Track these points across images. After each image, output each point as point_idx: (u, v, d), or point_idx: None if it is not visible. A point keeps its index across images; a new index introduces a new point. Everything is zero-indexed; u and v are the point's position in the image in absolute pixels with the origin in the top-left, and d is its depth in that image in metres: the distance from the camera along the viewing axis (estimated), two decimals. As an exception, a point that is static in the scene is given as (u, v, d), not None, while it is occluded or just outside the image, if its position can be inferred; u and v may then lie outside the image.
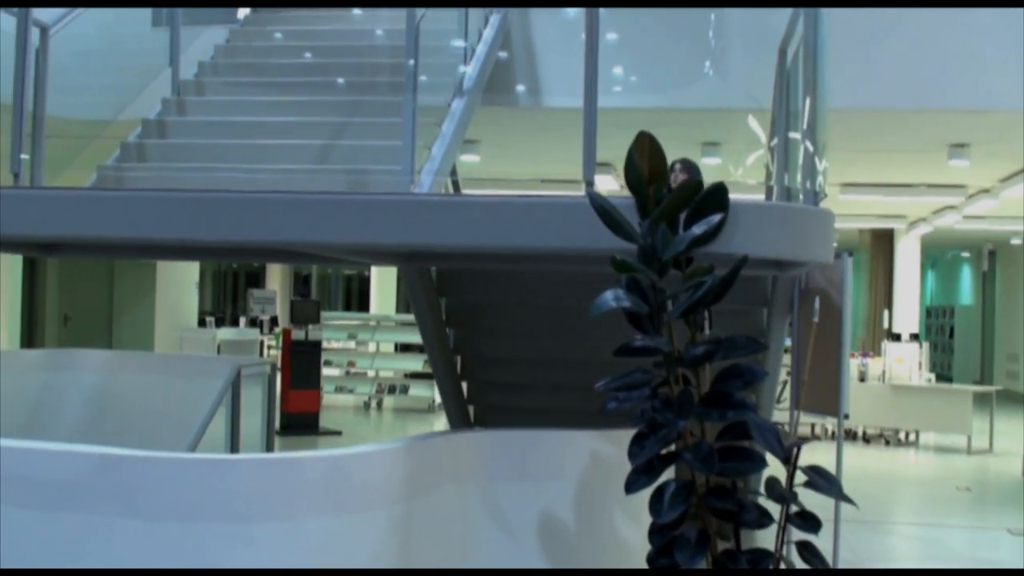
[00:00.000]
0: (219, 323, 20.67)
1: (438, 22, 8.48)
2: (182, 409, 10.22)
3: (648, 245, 4.37)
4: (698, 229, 4.35)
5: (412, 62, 7.08)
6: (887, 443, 17.33)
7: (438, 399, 19.70)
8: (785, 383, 10.46)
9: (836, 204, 16.80)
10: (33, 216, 5.78)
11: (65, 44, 7.33)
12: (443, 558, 4.95)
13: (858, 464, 14.65)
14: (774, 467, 4.63)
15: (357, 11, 10.90)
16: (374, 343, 21.66)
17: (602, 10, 12.02)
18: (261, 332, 21.20)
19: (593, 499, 5.37)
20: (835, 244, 6.08)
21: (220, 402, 10.00)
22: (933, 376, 19.01)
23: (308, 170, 7.77)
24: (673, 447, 4.50)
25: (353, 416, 19.42)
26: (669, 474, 4.58)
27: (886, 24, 10.46)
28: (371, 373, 21.19)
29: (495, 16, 10.01)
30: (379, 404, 20.71)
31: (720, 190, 4.57)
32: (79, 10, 7.42)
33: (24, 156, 6.32)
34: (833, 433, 15.40)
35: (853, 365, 17.27)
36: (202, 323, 19.85)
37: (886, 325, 21.25)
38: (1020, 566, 9.21)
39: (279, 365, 16.16)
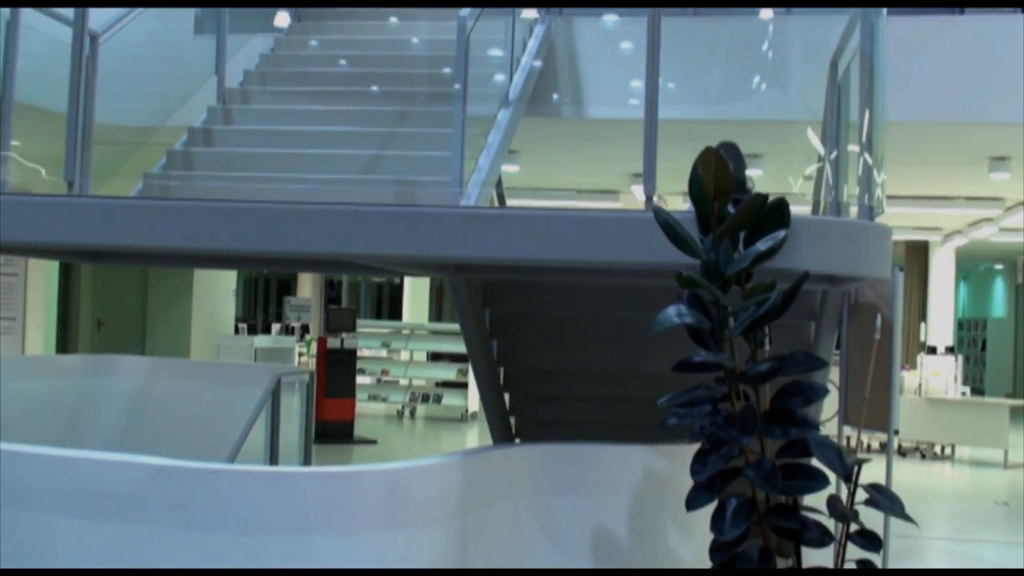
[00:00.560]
0: (251, 330, 20.72)
1: (483, 32, 8.45)
2: (221, 417, 10.22)
3: (712, 260, 4.35)
4: (763, 245, 4.32)
5: (462, 73, 7.04)
6: (923, 456, 17.24)
7: (471, 408, 19.74)
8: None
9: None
10: (80, 224, 5.79)
11: (111, 50, 7.34)
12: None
13: (895, 478, 14.54)
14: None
15: (398, 20, 10.90)
16: (407, 351, 21.65)
17: (636, 21, 12.04)
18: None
19: (647, 514, 5.34)
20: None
21: (260, 411, 10.00)
22: (968, 389, 18.91)
23: (355, 180, 7.75)
24: (733, 464, 4.46)
25: (386, 425, 19.44)
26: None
27: (926, 36, 10.41)
28: (403, 382, 21.19)
29: (539, 27, 10.00)
30: (412, 413, 20.70)
31: (782, 205, 4.54)
32: (128, 18, 7.42)
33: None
34: (870, 447, 15.35)
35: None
36: (236, 330, 19.90)
37: (922, 338, 21.14)
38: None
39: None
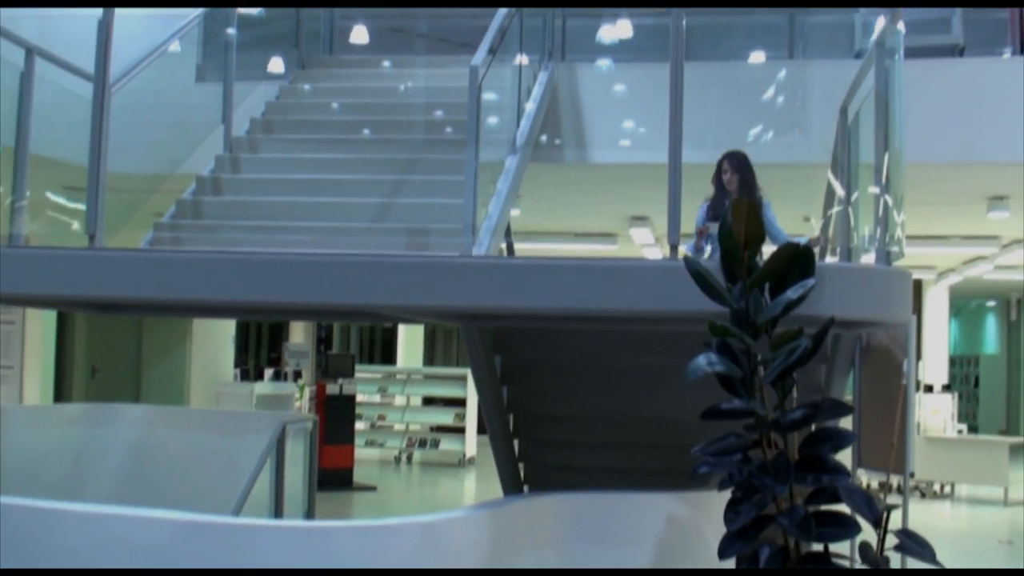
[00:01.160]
0: (244, 376, 20.63)
1: (490, 79, 8.49)
2: (225, 466, 10.19)
3: (742, 309, 4.36)
4: (793, 293, 4.34)
5: (474, 120, 7.07)
6: (922, 495, 17.22)
7: (469, 453, 19.70)
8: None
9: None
10: (98, 277, 5.80)
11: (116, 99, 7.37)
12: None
13: (895, 518, 14.52)
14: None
15: (400, 68, 10.96)
16: (402, 396, 21.61)
17: (640, 67, 12.12)
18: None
19: (672, 562, 5.33)
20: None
21: (266, 459, 9.97)
22: (964, 427, 18.91)
23: (366, 228, 7.77)
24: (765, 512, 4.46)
25: (385, 471, 19.38)
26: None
27: (925, 79, 10.48)
28: (398, 426, 21.13)
29: (543, 73, 10.06)
30: (409, 458, 20.64)
31: (807, 253, 4.57)
32: (142, 66, 7.45)
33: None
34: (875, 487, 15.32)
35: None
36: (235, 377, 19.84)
37: (919, 376, 21.16)
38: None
39: (314, 419, 16.13)
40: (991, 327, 32.65)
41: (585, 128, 10.77)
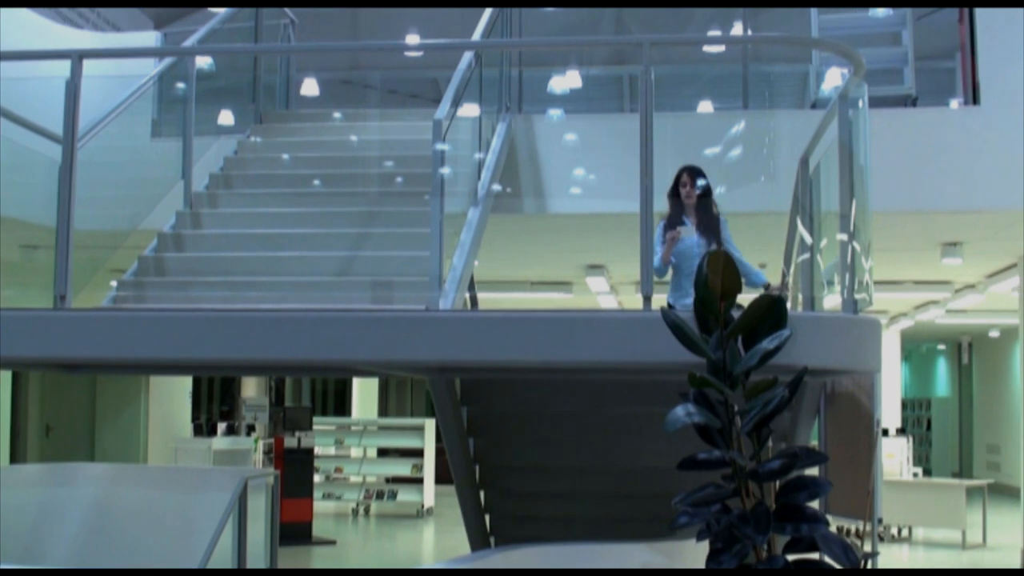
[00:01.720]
0: (197, 431, 20.47)
1: (450, 131, 8.53)
2: (188, 523, 10.12)
3: (719, 359, 4.39)
4: (769, 344, 4.37)
5: (438, 173, 7.08)
6: (880, 539, 17.27)
7: (427, 504, 19.61)
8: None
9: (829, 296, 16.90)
10: (64, 338, 5.77)
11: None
12: None
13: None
14: None
15: (356, 121, 10.98)
16: (359, 448, 21.51)
17: (596, 117, 12.20)
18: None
19: (649, 614, 5.34)
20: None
21: (228, 516, 9.90)
22: (920, 470, 19.01)
23: (330, 282, 7.75)
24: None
25: (342, 524, 19.26)
26: None
27: (878, 129, 10.60)
28: (354, 479, 21.02)
29: (500, 125, 10.11)
30: (366, 510, 20.52)
31: (779, 303, 4.60)
32: (105, 123, 7.44)
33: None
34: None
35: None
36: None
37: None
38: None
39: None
40: (942, 370, 32.93)
41: (543, 179, 10.83)
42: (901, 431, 19.49)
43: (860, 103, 6.00)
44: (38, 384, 18.39)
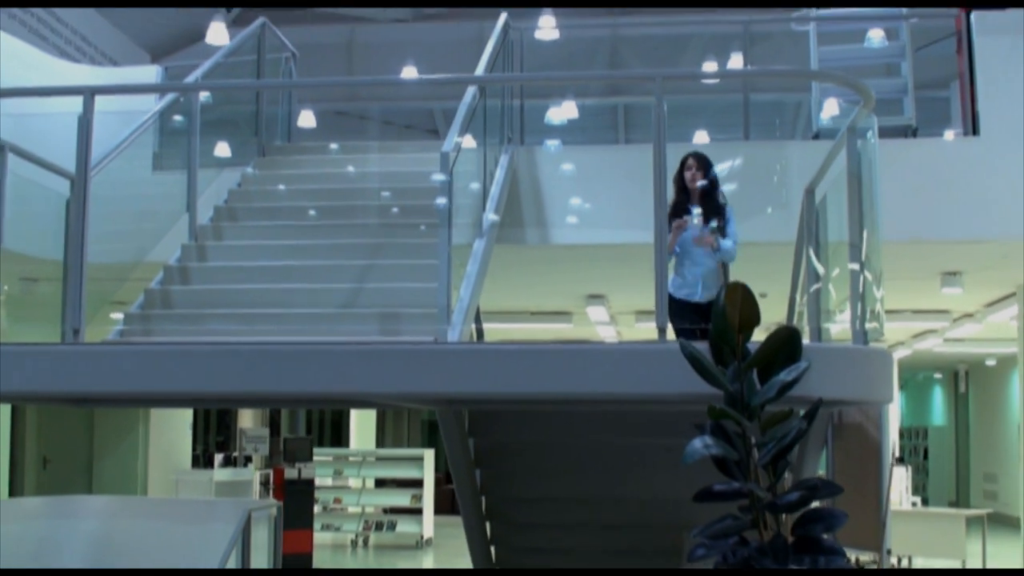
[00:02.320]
0: (195, 462, 20.43)
1: (456, 163, 8.56)
2: (192, 555, 10.11)
3: (736, 391, 4.40)
4: (787, 376, 4.39)
5: (447, 205, 7.10)
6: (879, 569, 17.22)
7: (426, 534, 19.56)
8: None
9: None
10: (76, 372, 5.78)
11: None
12: None
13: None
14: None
15: (357, 153, 11.01)
16: (357, 479, 21.45)
17: (595, 148, 12.23)
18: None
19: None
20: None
21: (232, 548, 9.90)
22: (919, 500, 18.99)
23: (337, 314, 7.76)
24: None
25: (341, 555, 19.20)
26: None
27: (882, 157, 10.64)
28: (352, 509, 20.95)
29: (503, 156, 10.15)
30: (365, 541, 20.46)
31: (794, 336, 4.62)
32: (111, 156, 7.46)
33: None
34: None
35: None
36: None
37: (871, 450, 21.25)
38: None
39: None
40: (938, 399, 32.94)
41: (545, 209, 10.86)
42: (900, 460, 19.49)
43: (869, 134, 6.03)
44: (35, 416, 18.35)
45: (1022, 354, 14.27)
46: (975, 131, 10.98)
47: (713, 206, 8.46)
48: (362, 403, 6.56)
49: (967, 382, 29.51)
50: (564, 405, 6.53)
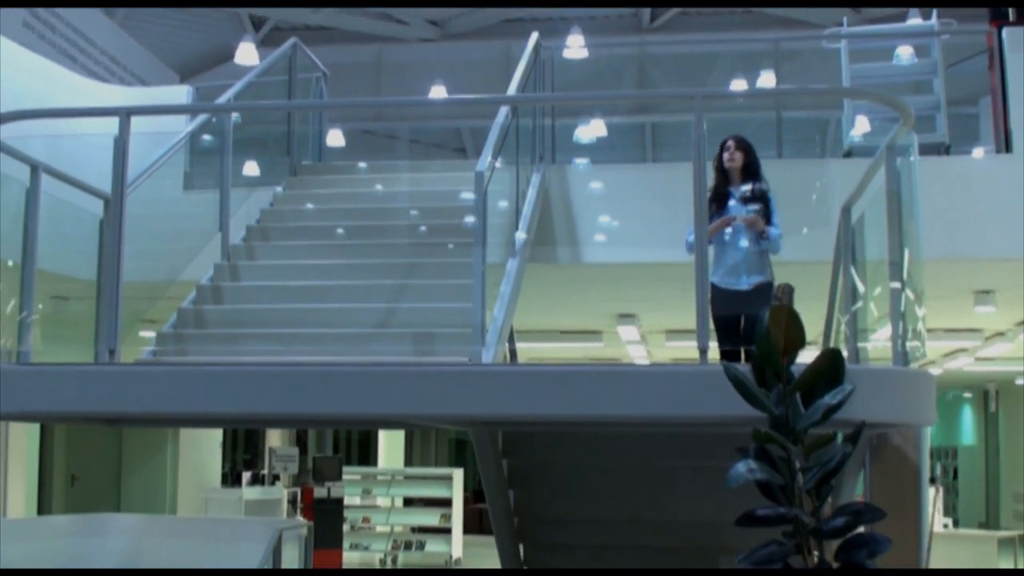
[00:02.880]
0: (224, 480, 20.44)
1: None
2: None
3: (782, 415, 4.35)
4: (832, 399, 4.33)
5: (481, 224, 7.06)
6: (913, 591, 17.07)
7: (455, 554, 19.50)
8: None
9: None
10: (109, 392, 5.76)
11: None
12: None
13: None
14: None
15: (388, 172, 11.00)
16: (386, 498, 21.41)
17: (625, 167, 12.20)
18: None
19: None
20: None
21: (263, 567, 9.88)
22: (950, 521, 18.83)
23: (371, 334, 7.73)
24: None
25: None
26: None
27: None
28: (380, 528, 20.91)
29: (535, 175, 10.11)
30: (394, 561, 20.40)
31: (836, 358, 4.57)
32: (148, 173, 7.47)
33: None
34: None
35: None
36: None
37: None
38: None
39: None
40: (968, 418, 32.66)
41: (577, 229, 10.81)
42: (931, 481, 19.34)
43: (910, 152, 5.99)
44: (64, 433, 18.37)
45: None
46: (1008, 148, 10.89)
47: (754, 190, 8.29)
48: (396, 424, 6.51)
49: (997, 401, 29.25)
50: (603, 428, 6.48)
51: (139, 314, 8.24)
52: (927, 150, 11.19)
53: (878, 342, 6.76)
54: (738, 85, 14.09)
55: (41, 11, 15.05)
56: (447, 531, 20.06)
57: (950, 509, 29.56)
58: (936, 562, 16.60)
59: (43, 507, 17.14)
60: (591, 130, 13.67)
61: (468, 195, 9.24)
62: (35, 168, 6.75)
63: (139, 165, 7.76)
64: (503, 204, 8.75)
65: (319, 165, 11.18)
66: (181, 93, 13.46)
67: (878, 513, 4.57)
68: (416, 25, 21.57)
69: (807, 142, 14.53)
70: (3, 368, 6.08)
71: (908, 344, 5.73)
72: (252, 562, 9.83)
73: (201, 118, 9.22)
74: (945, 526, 18.08)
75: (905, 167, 5.95)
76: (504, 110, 8.32)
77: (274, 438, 27.55)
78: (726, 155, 8.27)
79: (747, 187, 8.19)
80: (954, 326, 15.89)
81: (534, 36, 10.79)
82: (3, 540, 9.50)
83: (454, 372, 5.82)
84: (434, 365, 6.14)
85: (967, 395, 31.97)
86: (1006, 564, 16.71)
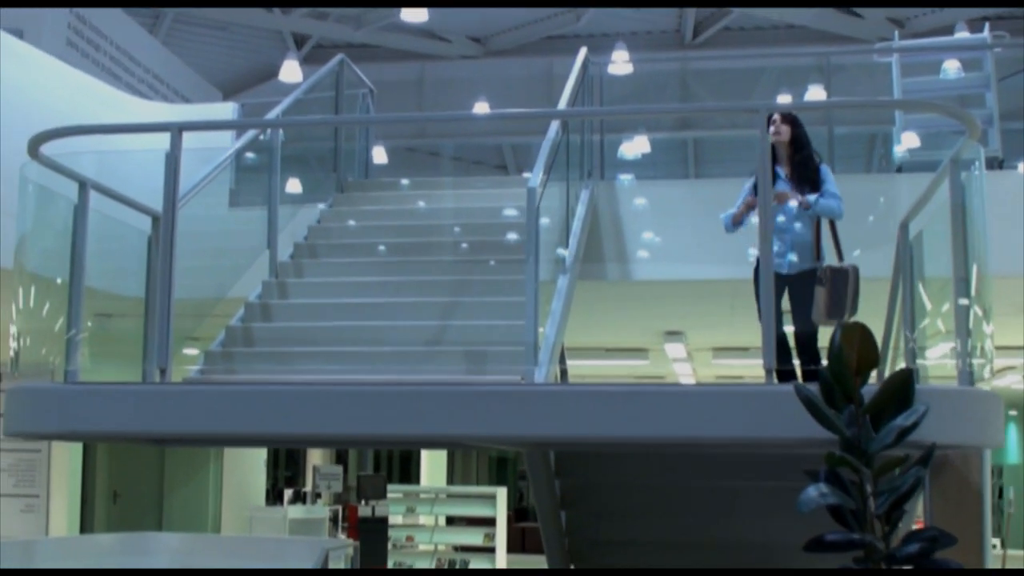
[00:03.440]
0: (267, 498, 20.41)
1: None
2: (267, 596, 9.98)
3: (854, 437, 4.22)
4: (905, 420, 4.20)
5: (533, 241, 6.94)
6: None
7: (499, 574, 19.40)
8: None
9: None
10: (159, 412, 5.69)
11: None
12: None
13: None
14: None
15: (433, 189, 10.92)
16: (429, 516, 21.31)
17: (672, 183, 12.07)
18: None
19: None
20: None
21: (310, 587, 9.79)
22: (999, 541, 18.55)
23: (422, 353, 7.62)
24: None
25: (415, 595, 19.06)
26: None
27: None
28: (424, 547, 20.80)
29: (584, 192, 10.02)
30: (440, 580, 20.33)
31: (907, 379, 4.44)
32: (196, 190, 7.40)
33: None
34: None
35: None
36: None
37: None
38: None
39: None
40: (1013, 437, 32.31)
41: (626, 245, 10.70)
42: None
43: (975, 166, 5.86)
44: (106, 450, 18.37)
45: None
46: (1060, 163, 10.75)
47: (804, 165, 7.95)
48: (447, 444, 6.42)
49: (1041, 418, 28.96)
50: (662, 449, 6.35)
51: (186, 332, 8.18)
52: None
53: (936, 359, 6.63)
54: (784, 99, 13.95)
55: (85, 30, 15.08)
56: (491, 550, 19.93)
57: (996, 529, 29.19)
58: (988, 583, 16.34)
59: (85, 525, 17.13)
60: (635, 146, 13.59)
61: (511, 211, 9.19)
62: (83, 185, 6.69)
63: (185, 182, 7.71)
64: (554, 221, 8.65)
65: (366, 182, 11.12)
66: (227, 110, 13.44)
67: (950, 539, 4.42)
68: (458, 43, 21.56)
69: (853, 158, 14.40)
70: (52, 388, 6.03)
71: (975, 362, 5.58)
72: (296, 583, 9.74)
73: (249, 134, 9.13)
74: (994, 547, 17.80)
75: (970, 180, 5.82)
76: (555, 125, 8.22)
77: (316, 456, 27.51)
78: (771, 128, 7.72)
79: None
80: (1003, 344, 15.66)
81: (583, 51, 10.71)
82: (45, 560, 9.45)
83: (507, 392, 5.72)
84: (486, 385, 6.02)
85: (1012, 413, 31.64)
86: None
